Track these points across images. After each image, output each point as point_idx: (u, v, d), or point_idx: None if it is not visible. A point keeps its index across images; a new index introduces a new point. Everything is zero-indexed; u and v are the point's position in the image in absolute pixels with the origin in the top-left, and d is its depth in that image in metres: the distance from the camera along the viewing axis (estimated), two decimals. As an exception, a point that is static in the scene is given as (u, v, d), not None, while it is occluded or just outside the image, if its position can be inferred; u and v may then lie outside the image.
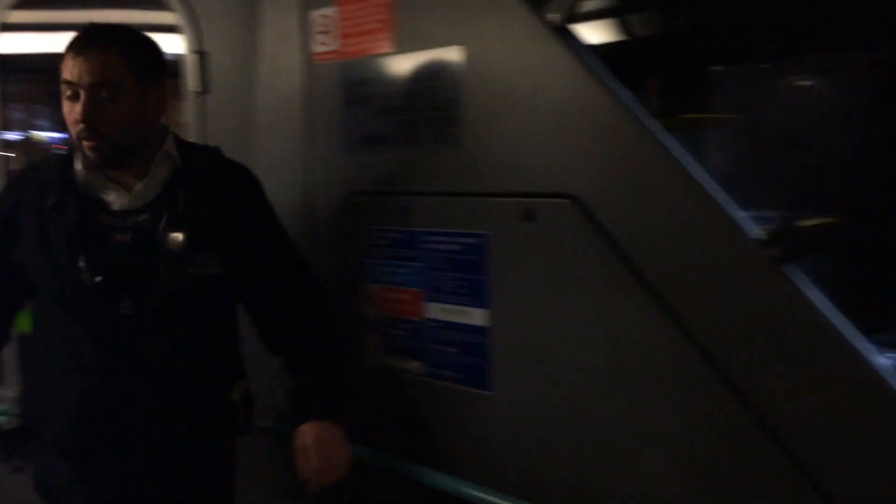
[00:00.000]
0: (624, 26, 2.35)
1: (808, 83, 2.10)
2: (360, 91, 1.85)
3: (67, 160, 1.60)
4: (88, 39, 1.50)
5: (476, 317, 1.65)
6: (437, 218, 1.72)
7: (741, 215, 1.34)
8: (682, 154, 1.40)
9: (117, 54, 1.49)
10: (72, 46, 1.50)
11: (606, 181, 1.46)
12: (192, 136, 2.06)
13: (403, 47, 1.75)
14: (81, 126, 1.49)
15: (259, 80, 2.08)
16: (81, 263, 1.51)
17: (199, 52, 2.10)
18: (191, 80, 2.11)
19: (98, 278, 1.51)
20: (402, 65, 1.75)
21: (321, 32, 1.90)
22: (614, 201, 1.45)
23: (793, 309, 1.26)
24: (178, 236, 1.53)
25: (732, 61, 2.12)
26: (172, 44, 2.27)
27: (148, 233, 1.54)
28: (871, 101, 1.98)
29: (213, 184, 1.62)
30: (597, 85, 1.45)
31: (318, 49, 1.92)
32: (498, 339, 1.62)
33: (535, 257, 1.55)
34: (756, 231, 1.31)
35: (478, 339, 1.65)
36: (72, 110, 1.50)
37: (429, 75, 1.70)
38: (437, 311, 1.73)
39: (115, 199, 1.58)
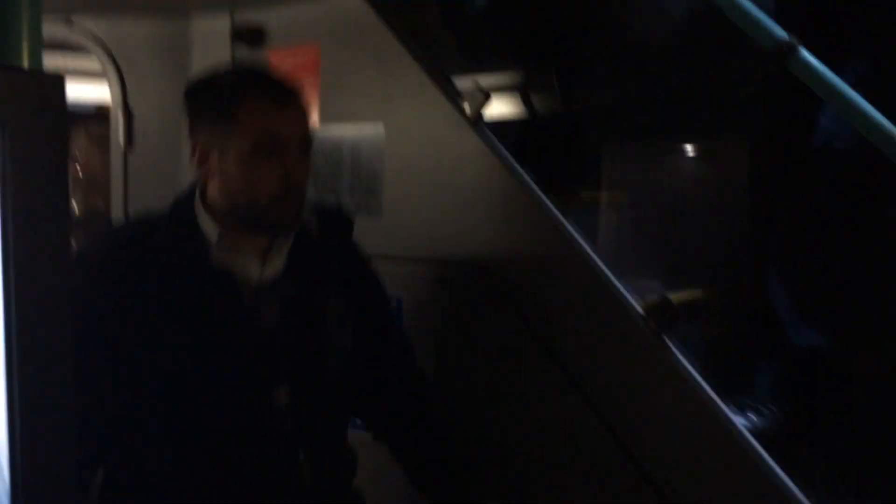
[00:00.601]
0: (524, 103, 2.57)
1: (689, 165, 2.38)
2: (285, 157, 1.97)
3: (187, 225, 1.30)
4: (284, 88, 1.30)
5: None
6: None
7: (627, 289, 1.53)
8: (577, 232, 1.60)
9: (304, 103, 1.33)
10: (268, 95, 1.27)
11: (512, 254, 1.64)
12: (114, 192, 2.11)
13: (329, 118, 1.89)
14: (284, 186, 1.25)
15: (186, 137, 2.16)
16: (239, 354, 1.27)
17: (125, 108, 2.17)
18: (116, 134, 2.17)
19: (255, 368, 1.27)
20: (327, 135, 1.89)
21: (250, 100, 2.02)
22: (519, 273, 1.63)
23: (670, 374, 1.46)
24: (335, 308, 1.37)
25: (623, 140, 2.37)
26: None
27: (297, 308, 1.33)
28: (742, 183, 2.26)
29: (337, 249, 1.45)
30: (504, 169, 1.64)
31: (246, 115, 2.03)
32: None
33: (447, 320, 1.70)
34: (639, 304, 1.51)
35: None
36: (265, 169, 1.24)
37: (352, 148, 1.85)
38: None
39: (254, 271, 1.30)
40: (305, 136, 1.30)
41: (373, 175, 1.81)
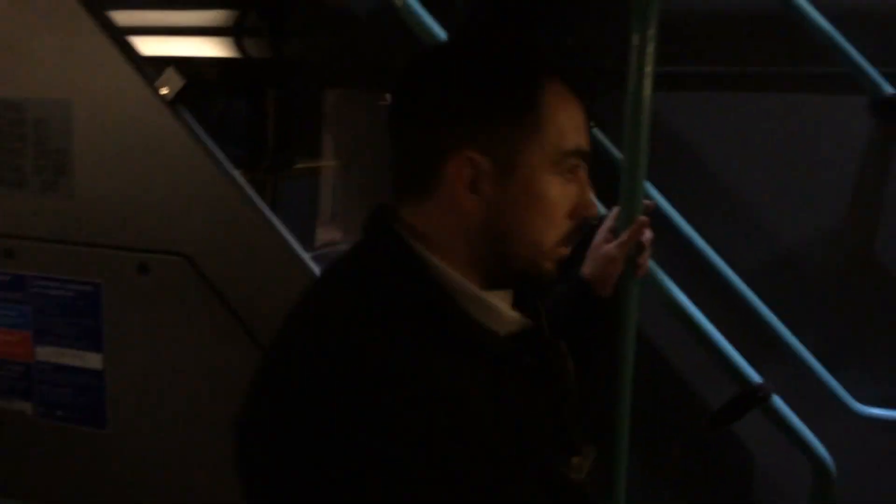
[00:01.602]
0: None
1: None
2: (-47, 125, 1.76)
3: (444, 298, 0.85)
4: (573, 69, 0.89)
5: (91, 360, 1.73)
6: (47, 263, 1.74)
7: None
8: (271, 215, 1.65)
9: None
10: (565, 79, 0.86)
11: (213, 242, 1.65)
12: None
13: (8, 86, 1.72)
14: (580, 219, 0.88)
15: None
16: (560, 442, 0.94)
17: None
18: None
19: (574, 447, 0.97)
20: (2, 107, 1.72)
21: None
22: (220, 260, 1.65)
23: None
24: (566, 346, 1.05)
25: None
26: None
27: (561, 360, 0.99)
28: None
29: None
30: (205, 156, 1.63)
31: None
32: (113, 382, 1.73)
33: (149, 308, 1.69)
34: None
35: (93, 381, 1.74)
36: (566, 194, 0.86)
37: (37, 122, 1.70)
38: (50, 353, 1.77)
39: (517, 327, 0.94)
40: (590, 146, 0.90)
41: (62, 153, 1.69)
